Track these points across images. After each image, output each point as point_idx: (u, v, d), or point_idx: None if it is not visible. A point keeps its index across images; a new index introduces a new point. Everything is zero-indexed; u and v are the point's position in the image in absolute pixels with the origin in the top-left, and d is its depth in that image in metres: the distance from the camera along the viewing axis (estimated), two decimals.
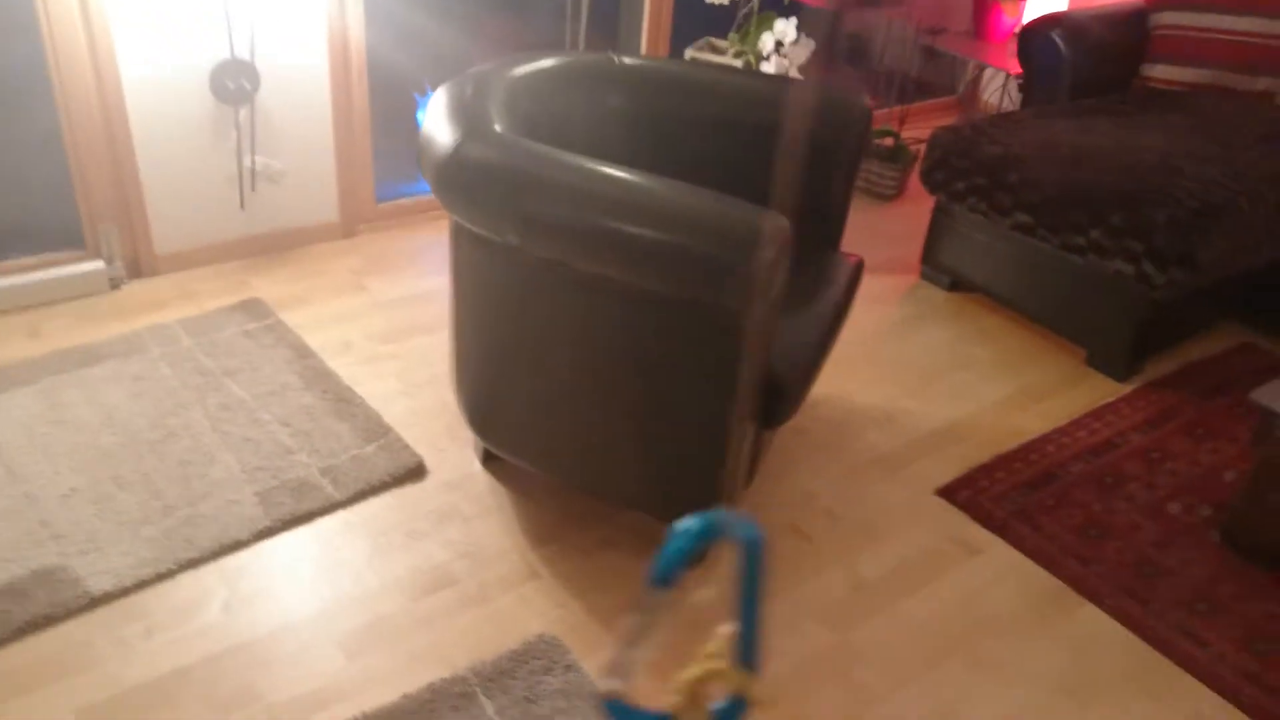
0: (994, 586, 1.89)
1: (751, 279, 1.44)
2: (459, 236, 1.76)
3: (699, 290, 1.49)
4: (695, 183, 1.57)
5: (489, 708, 1.54)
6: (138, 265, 2.60)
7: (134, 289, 2.57)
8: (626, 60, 2.14)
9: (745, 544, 1.06)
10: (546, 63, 2.04)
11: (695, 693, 1.04)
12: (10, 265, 2.45)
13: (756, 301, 1.47)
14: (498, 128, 1.70)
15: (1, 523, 1.79)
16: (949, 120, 4.25)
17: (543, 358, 1.72)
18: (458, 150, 1.63)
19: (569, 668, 1.62)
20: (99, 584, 1.70)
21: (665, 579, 1.05)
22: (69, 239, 2.52)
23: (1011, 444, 2.29)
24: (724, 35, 3.21)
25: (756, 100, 2.09)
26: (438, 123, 1.74)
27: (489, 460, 2.08)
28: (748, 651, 1.08)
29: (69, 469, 1.94)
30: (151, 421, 2.08)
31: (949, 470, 2.19)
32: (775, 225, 1.45)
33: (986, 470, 2.19)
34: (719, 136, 2.12)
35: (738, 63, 3.07)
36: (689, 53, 3.18)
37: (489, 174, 1.58)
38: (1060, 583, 1.90)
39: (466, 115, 1.73)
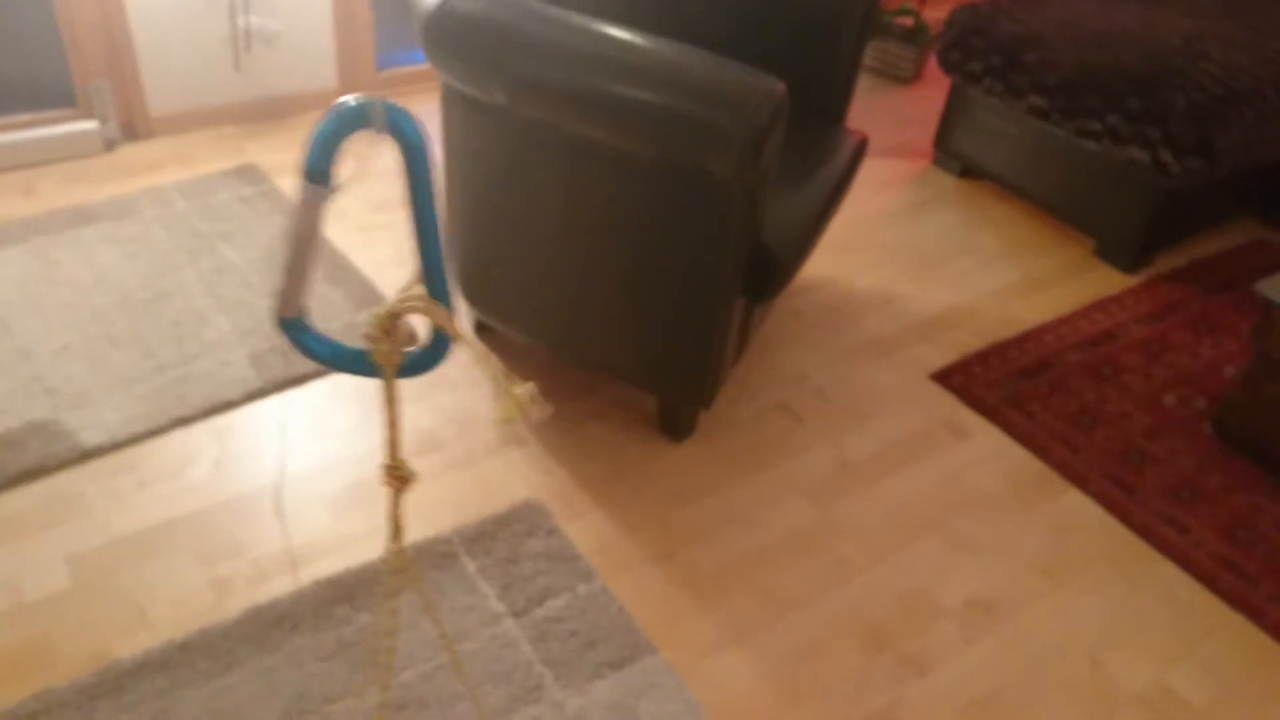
0: (979, 469, 1.89)
1: (742, 143, 1.39)
2: (449, 99, 1.71)
3: (688, 154, 1.45)
4: (697, 45, 1.51)
5: (470, 567, 1.57)
6: (133, 127, 2.56)
7: (128, 150, 2.53)
8: None
9: (406, 144, 0.95)
10: None
11: (388, 329, 0.95)
12: (3, 122, 2.41)
13: (746, 168, 1.43)
14: None
15: None
16: None
17: (532, 224, 1.69)
18: (446, 3, 1.57)
19: (551, 532, 1.65)
20: (91, 438, 1.72)
21: (317, 172, 0.95)
22: (63, 98, 2.47)
23: (1010, 332, 2.26)
24: None
25: None
26: None
27: (481, 330, 2.07)
28: (431, 265, 1.00)
29: (62, 326, 1.94)
30: (144, 282, 2.08)
31: (944, 356, 2.17)
32: (769, 88, 1.40)
33: (982, 356, 2.17)
34: (721, 3, 2.03)
35: None
36: None
37: (477, 28, 1.53)
38: (1046, 467, 1.91)
39: None
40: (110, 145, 2.52)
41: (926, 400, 2.04)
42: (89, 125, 2.47)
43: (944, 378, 2.10)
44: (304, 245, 0.99)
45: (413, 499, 1.70)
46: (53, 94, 2.47)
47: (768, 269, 1.64)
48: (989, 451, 1.93)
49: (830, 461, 1.87)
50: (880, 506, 1.79)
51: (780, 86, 1.42)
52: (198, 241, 2.21)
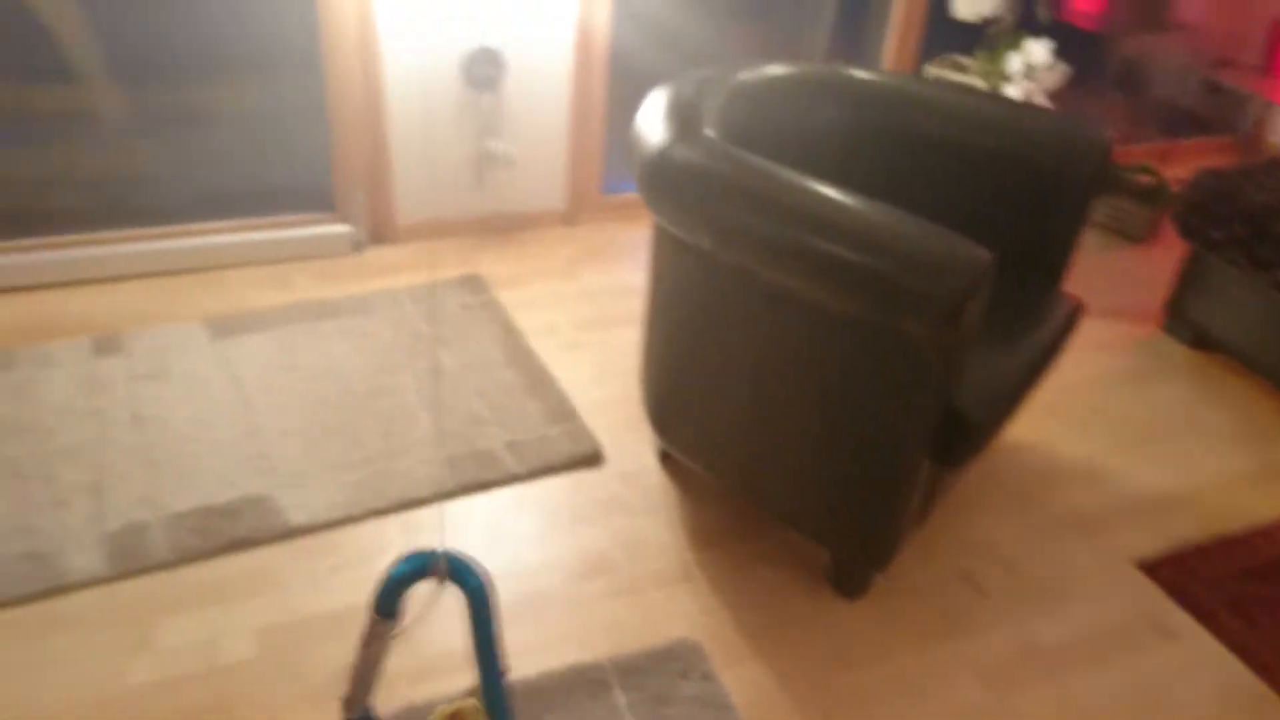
0: (1183, 680, 1.70)
1: (941, 309, 1.37)
2: (658, 233, 1.79)
3: (885, 315, 1.44)
4: (910, 206, 1.52)
5: (621, 700, 1.57)
6: (379, 232, 2.82)
7: (373, 253, 2.79)
8: (854, 72, 2.09)
9: (469, 592, 1.08)
10: (772, 71, 2.04)
11: None
12: (272, 221, 2.72)
13: (945, 333, 1.40)
14: (709, 132, 1.71)
15: (229, 448, 2.00)
16: (1223, 162, 3.86)
17: (724, 364, 1.72)
18: (665, 150, 1.66)
19: (706, 676, 1.62)
20: (297, 517, 1.86)
21: (385, 609, 1.08)
22: (323, 202, 2.77)
23: (1238, 525, 2.06)
24: (972, 53, 3.06)
25: (987, 124, 1.98)
26: (651, 120, 1.77)
27: (664, 458, 2.10)
28: (492, 700, 1.10)
29: (289, 409, 2.13)
30: (366, 376, 2.26)
31: (1155, 543, 1.99)
32: (972, 257, 1.38)
33: (1201, 550, 1.98)
34: (941, 159, 2.03)
35: (979, 83, 2.92)
36: (929, 69, 3.06)
37: (690, 176, 1.60)
38: (1268, 689, 1.69)
39: (680, 116, 1.75)
40: (358, 247, 2.79)
41: (1130, 591, 1.88)
42: (343, 229, 2.75)
43: (1154, 568, 1.93)
44: (371, 665, 1.15)
45: (575, 620, 1.72)
46: (316, 199, 2.77)
47: (959, 434, 1.58)
48: (1198, 660, 1.74)
49: (1013, 644, 1.74)
50: (1062, 705, 1.64)
51: (985, 257, 1.39)
52: (418, 343, 2.39)
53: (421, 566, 1.09)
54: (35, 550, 1.73)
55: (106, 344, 2.29)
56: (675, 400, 1.87)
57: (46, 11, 2.82)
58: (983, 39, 3.08)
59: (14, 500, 1.83)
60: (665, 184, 1.64)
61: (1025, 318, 1.88)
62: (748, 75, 1.99)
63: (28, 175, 2.81)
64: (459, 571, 1.09)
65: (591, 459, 2.09)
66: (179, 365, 2.24)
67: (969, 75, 2.99)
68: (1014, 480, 2.14)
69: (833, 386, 1.58)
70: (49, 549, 1.73)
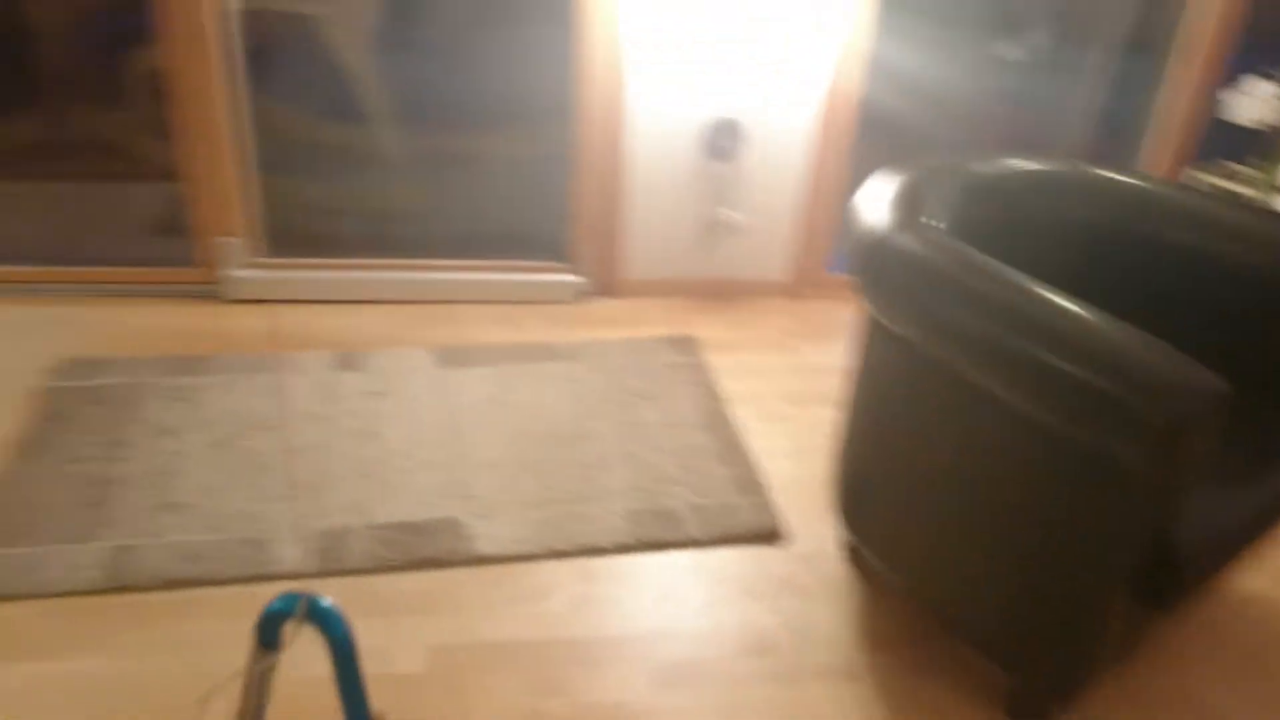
0: None
1: (1159, 437, 1.26)
2: (866, 317, 1.76)
3: (1098, 435, 1.33)
4: (1148, 322, 1.42)
5: None
6: (604, 284, 2.94)
7: (596, 304, 2.90)
8: (1102, 173, 1.98)
9: (332, 641, 1.12)
10: (1011, 165, 1.96)
11: None
12: (509, 264, 2.90)
13: (1159, 464, 1.28)
14: (933, 222, 1.67)
15: (433, 471, 2.14)
16: None
17: (918, 460, 1.65)
18: (884, 236, 1.63)
19: None
20: (484, 546, 1.95)
21: (267, 639, 1.14)
22: (557, 251, 2.93)
23: None
24: (1246, 160, 2.82)
25: (1247, 237, 1.81)
26: (875, 203, 1.75)
27: (847, 547, 2.04)
28: None
29: (496, 442, 2.25)
30: (570, 420, 2.34)
31: None
32: (1205, 384, 1.26)
33: None
34: (1188, 273, 1.87)
35: (1246, 192, 2.68)
36: (1193, 173, 2.84)
37: (905, 265, 1.56)
38: None
39: (903, 202, 1.72)
40: (583, 297, 2.91)
41: None
42: (572, 279, 2.88)
43: None
44: (254, 692, 1.22)
45: (730, 697, 1.69)
46: (551, 247, 2.93)
47: (1170, 574, 1.43)
48: None
49: None
50: None
51: (1219, 387, 1.27)
52: (624, 395, 2.46)
53: (292, 606, 1.14)
54: (255, 537, 1.91)
55: (348, 360, 2.51)
56: (864, 490, 1.81)
57: (349, 60, 3.16)
58: (1260, 145, 2.83)
59: (250, 489, 2.03)
60: (879, 270, 1.61)
61: (1268, 453, 1.68)
62: (983, 167, 1.93)
63: (315, 202, 3.16)
64: (324, 618, 1.12)
65: (772, 535, 2.06)
66: (405, 387, 2.41)
67: (1240, 184, 2.75)
68: (1244, 635, 1.90)
69: (1033, 499, 1.48)
70: (266, 537, 1.91)
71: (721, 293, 3.00)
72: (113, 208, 3.13)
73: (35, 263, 2.72)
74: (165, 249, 2.81)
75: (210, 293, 2.75)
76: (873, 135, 2.98)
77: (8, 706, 1.55)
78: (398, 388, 2.41)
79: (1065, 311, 1.39)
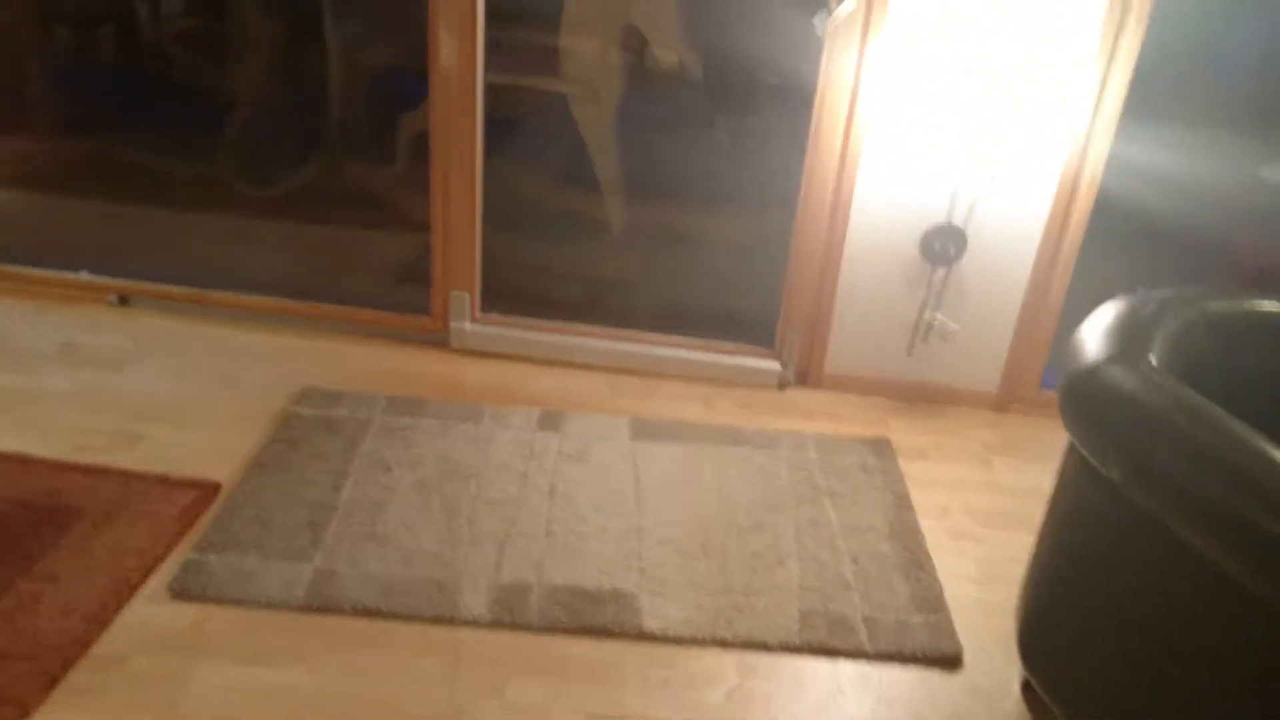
0: None
1: None
2: (1070, 448, 1.69)
3: None
4: None
5: None
6: (805, 375, 2.94)
7: (794, 394, 2.91)
8: None
9: None
10: (1252, 304, 1.83)
11: None
12: (713, 345, 2.97)
13: None
14: (1153, 359, 1.59)
15: (613, 541, 2.20)
16: None
17: (1109, 607, 1.56)
18: (1097, 367, 1.57)
19: None
20: (651, 623, 1.99)
21: None
22: (762, 335, 2.96)
23: None
24: None
25: None
26: (1095, 331, 1.69)
27: (1026, 687, 1.92)
28: None
29: (675, 520, 2.29)
30: (750, 509, 2.36)
31: None
32: None
33: None
34: None
35: None
36: None
37: (1114, 401, 1.49)
38: None
39: (1126, 335, 1.65)
40: (783, 385, 2.93)
41: None
42: (773, 365, 2.91)
43: None
44: None
45: None
46: (758, 332, 2.97)
47: None
48: None
49: None
50: None
51: None
52: (809, 491, 2.44)
53: None
54: (442, 579, 2.03)
55: (549, 419, 2.64)
56: (1048, 629, 1.72)
57: (592, 134, 3.37)
58: None
59: (442, 532, 2.17)
60: (1087, 402, 1.55)
61: None
62: (1219, 304, 1.81)
63: (536, 262, 3.36)
64: None
65: (948, 661, 1.98)
66: (598, 453, 2.51)
67: None
68: None
69: (1239, 672, 1.36)
70: (451, 581, 2.03)
71: (924, 396, 2.93)
72: (366, 253, 3.46)
73: (294, 296, 3.03)
74: (406, 295, 3.07)
75: (439, 340, 2.98)
76: (1104, 252, 2.85)
77: (210, 703, 1.73)
78: (592, 453, 2.51)
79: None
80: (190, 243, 3.43)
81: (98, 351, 2.75)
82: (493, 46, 2.71)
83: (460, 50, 2.64)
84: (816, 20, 2.53)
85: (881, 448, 2.66)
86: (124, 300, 3.02)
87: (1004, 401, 2.92)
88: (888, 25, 2.49)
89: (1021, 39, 2.46)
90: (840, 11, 2.47)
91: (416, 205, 3.00)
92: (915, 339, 2.85)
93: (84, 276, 3.04)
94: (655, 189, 3.49)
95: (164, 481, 2.22)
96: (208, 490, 2.21)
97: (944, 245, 2.70)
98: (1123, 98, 2.53)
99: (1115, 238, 2.85)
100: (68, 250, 3.21)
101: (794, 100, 2.82)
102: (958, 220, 2.68)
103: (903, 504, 2.43)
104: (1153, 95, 2.65)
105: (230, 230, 3.50)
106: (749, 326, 3.00)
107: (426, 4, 2.60)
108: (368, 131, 3.65)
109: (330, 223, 3.58)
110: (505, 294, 3.02)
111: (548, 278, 3.36)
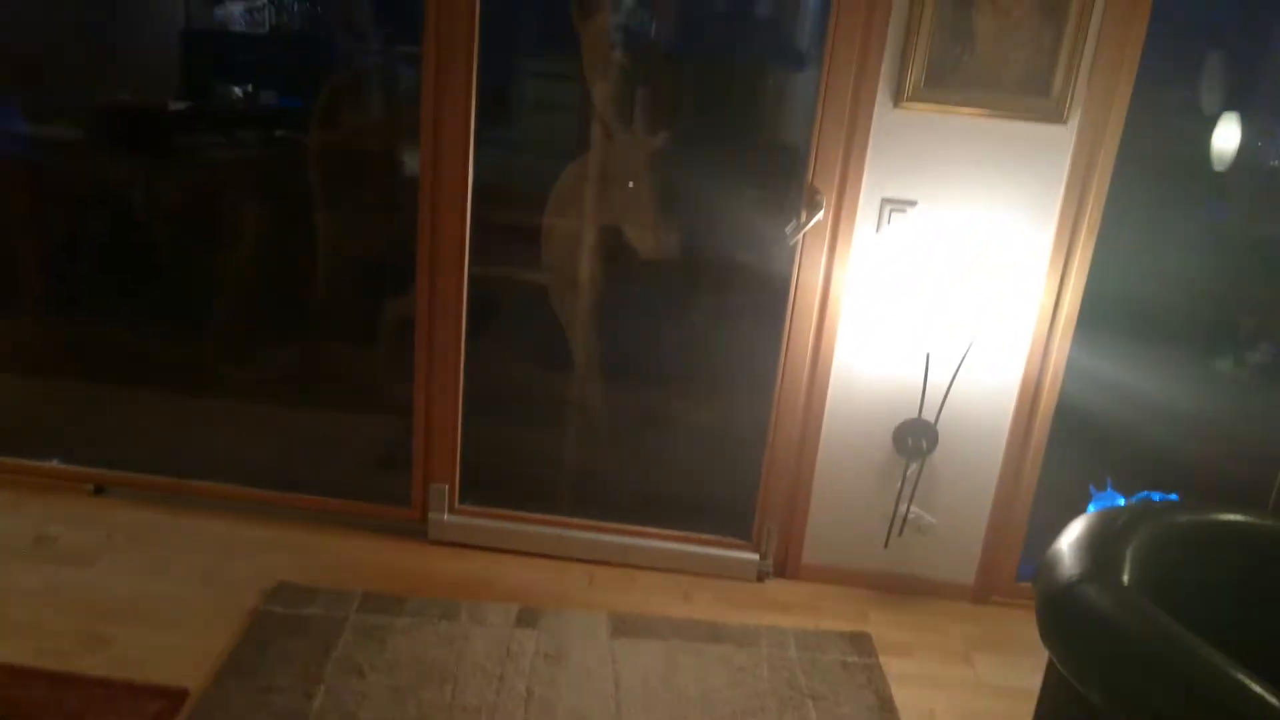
0: None
1: None
2: (1052, 665, 1.69)
3: None
4: None
5: None
6: (783, 567, 2.94)
7: (772, 586, 2.90)
8: None
9: None
10: (1218, 516, 1.89)
11: None
12: (691, 536, 2.97)
13: None
14: (1125, 578, 1.62)
15: None
16: None
17: None
18: (1071, 585, 1.60)
19: None
20: None
21: None
22: (739, 527, 2.98)
23: None
24: None
25: None
26: (1069, 546, 1.73)
27: None
28: None
29: None
30: (731, 713, 2.31)
31: None
32: None
33: None
34: None
35: None
36: None
37: (1090, 624, 1.52)
38: None
39: (1098, 551, 1.69)
40: (760, 577, 2.92)
41: None
42: (752, 556, 2.91)
43: None
44: None
45: None
46: (732, 522, 2.98)
47: None
48: None
49: None
50: None
51: None
52: (790, 692, 2.41)
53: None
54: None
55: (527, 615, 2.60)
56: None
57: (568, 320, 3.47)
58: None
59: None
60: (1063, 623, 1.57)
61: None
62: (1186, 516, 1.86)
63: (511, 449, 3.39)
64: None
65: None
66: (577, 653, 2.47)
67: None
68: None
69: None
70: None
71: (903, 589, 2.93)
72: (344, 438, 3.48)
73: (275, 481, 3.03)
74: (383, 482, 3.08)
75: (416, 530, 2.96)
76: (1073, 446, 2.93)
77: None
78: (570, 652, 2.47)
79: (1246, 693, 1.30)
80: (170, 427, 3.45)
81: (71, 545, 2.71)
82: (477, 228, 2.77)
83: (449, 236, 2.72)
84: (788, 229, 2.67)
85: (862, 643, 2.64)
86: (100, 490, 3.00)
87: (982, 593, 2.92)
88: (855, 235, 2.63)
89: (982, 249, 2.60)
90: (809, 223, 2.61)
91: (397, 391, 3.04)
92: (892, 532, 2.87)
93: (55, 464, 3.04)
94: (632, 370, 3.56)
95: (130, 689, 2.16)
96: (175, 698, 2.15)
97: (916, 440, 2.76)
98: (1078, 302, 2.67)
99: (1083, 435, 2.93)
100: (46, 436, 3.21)
101: (773, 283, 2.89)
102: (928, 415, 2.75)
103: (885, 704, 2.40)
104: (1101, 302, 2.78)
105: (212, 412, 3.53)
106: (727, 514, 3.01)
107: (416, 193, 2.70)
108: (353, 316, 3.74)
109: (307, 406, 3.62)
110: (483, 482, 3.04)
111: (526, 465, 3.38)
